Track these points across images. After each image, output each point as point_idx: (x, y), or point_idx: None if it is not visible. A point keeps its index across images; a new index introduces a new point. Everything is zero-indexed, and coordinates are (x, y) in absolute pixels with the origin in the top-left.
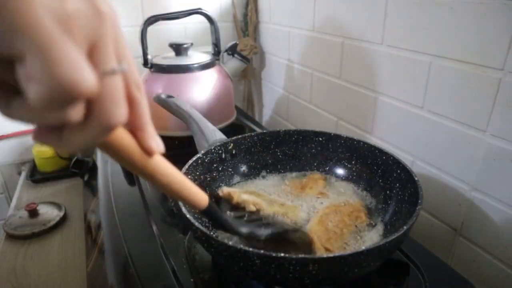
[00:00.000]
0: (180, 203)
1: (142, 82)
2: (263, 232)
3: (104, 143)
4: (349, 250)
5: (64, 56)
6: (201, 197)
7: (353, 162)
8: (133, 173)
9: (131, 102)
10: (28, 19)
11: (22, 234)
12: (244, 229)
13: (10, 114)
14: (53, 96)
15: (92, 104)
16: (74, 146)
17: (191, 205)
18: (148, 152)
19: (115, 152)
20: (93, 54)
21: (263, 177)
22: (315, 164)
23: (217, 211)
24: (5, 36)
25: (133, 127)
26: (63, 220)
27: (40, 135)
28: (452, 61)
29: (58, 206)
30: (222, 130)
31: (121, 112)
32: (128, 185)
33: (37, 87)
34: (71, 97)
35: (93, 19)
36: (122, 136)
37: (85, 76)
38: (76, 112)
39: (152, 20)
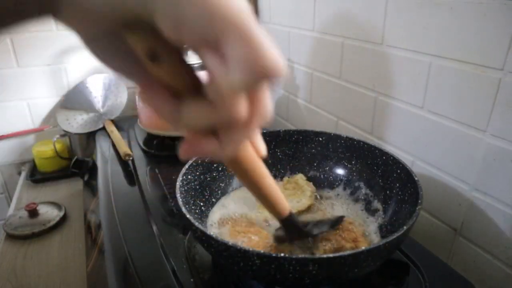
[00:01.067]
0: (180, 203)
1: None
2: (325, 227)
3: (237, 157)
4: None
5: (264, 41)
6: (285, 205)
7: (353, 162)
8: (244, 182)
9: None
10: (229, 6)
11: (22, 234)
12: (315, 231)
13: (182, 118)
14: (253, 80)
15: (252, 104)
16: (235, 149)
17: (275, 212)
18: (260, 154)
19: (243, 163)
20: None
21: None
22: (315, 164)
23: (295, 220)
24: (204, 22)
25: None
26: (63, 220)
27: (195, 145)
28: (452, 61)
29: (58, 206)
30: None
31: (270, 107)
32: (128, 185)
33: (238, 71)
34: (268, 79)
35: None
36: (248, 148)
37: (281, 61)
38: (245, 109)
39: None
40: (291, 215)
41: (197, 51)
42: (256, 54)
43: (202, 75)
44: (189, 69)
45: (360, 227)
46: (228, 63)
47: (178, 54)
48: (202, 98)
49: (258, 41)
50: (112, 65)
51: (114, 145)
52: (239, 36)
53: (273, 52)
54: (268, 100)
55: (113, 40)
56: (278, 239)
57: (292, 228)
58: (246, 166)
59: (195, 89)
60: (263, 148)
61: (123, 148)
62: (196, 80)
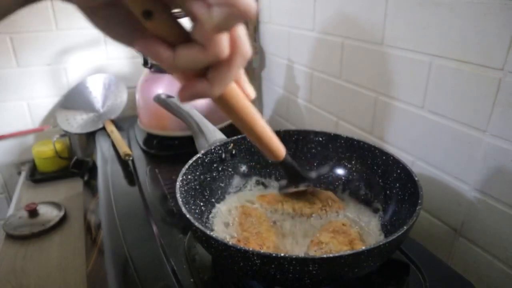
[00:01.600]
0: (180, 203)
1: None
2: (325, 170)
3: (224, 95)
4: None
5: None
6: (281, 148)
7: (353, 162)
8: (236, 121)
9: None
10: None
11: (22, 234)
12: (313, 175)
13: (177, 62)
14: (231, 17)
15: (233, 44)
16: (222, 86)
17: (272, 153)
18: (248, 96)
19: (231, 100)
20: None
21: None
22: (315, 164)
23: (292, 162)
24: None
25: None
26: (63, 220)
27: (189, 88)
28: (452, 61)
29: (58, 206)
30: (222, 130)
31: (248, 48)
32: (128, 185)
33: (219, 10)
34: (243, 18)
35: None
36: (233, 86)
37: (252, 3)
38: (227, 46)
39: None
40: (287, 157)
41: (183, 3)
42: None
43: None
44: (179, 23)
45: (355, 229)
46: (209, 6)
47: (168, 10)
48: (192, 44)
49: None
50: (111, 33)
51: (114, 145)
52: None
53: None
54: (246, 40)
55: (111, 7)
56: (282, 188)
57: (291, 170)
58: (235, 104)
59: (185, 38)
60: (250, 90)
61: (123, 148)
62: (186, 31)
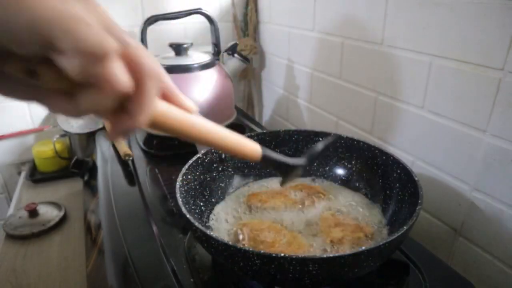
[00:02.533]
0: (180, 203)
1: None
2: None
3: (155, 119)
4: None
5: (88, 28)
6: (254, 149)
7: (353, 162)
8: (183, 138)
9: (144, 75)
10: (53, 7)
11: (22, 234)
12: (300, 161)
13: (81, 109)
14: (86, 61)
15: (136, 70)
16: (146, 113)
17: (247, 158)
18: (188, 110)
19: (167, 122)
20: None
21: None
22: (315, 164)
23: (272, 156)
24: (30, 35)
25: (166, 96)
26: (63, 220)
27: (115, 126)
28: (452, 61)
29: (58, 206)
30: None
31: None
32: (128, 185)
33: (71, 58)
34: (100, 56)
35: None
36: (163, 107)
37: (108, 39)
38: (124, 78)
39: (152, 20)
40: (266, 154)
41: (45, 55)
42: (79, 43)
43: None
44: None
45: (347, 215)
46: (64, 55)
47: (52, 62)
48: (89, 88)
49: (80, 30)
50: (3, 91)
51: (114, 145)
52: (63, 30)
53: (95, 34)
54: (150, 60)
55: None
56: (283, 182)
57: (275, 164)
58: (173, 124)
59: (82, 83)
60: (189, 104)
61: (123, 148)
62: None
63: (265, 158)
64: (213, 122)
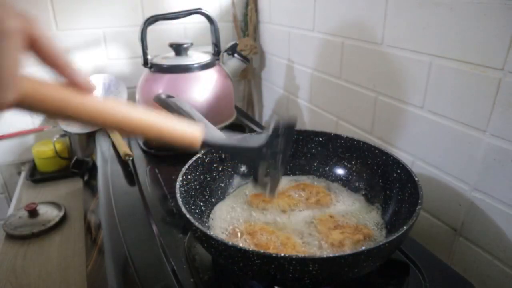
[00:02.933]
0: (180, 203)
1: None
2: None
3: (19, 102)
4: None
5: None
6: (191, 135)
7: (353, 162)
8: (91, 123)
9: (33, 42)
10: None
11: (22, 234)
12: (250, 144)
13: None
14: None
15: None
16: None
17: (183, 147)
18: (86, 90)
19: (37, 104)
20: None
21: None
22: (315, 164)
23: (216, 143)
24: None
25: (53, 66)
26: (63, 220)
27: None
28: (452, 61)
29: (58, 206)
30: (222, 130)
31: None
32: (128, 185)
33: None
34: None
35: None
36: (37, 88)
37: None
38: None
39: (152, 20)
40: (208, 139)
41: None
42: None
43: None
44: None
45: (345, 217)
46: None
47: None
48: None
49: None
50: None
51: (114, 145)
52: None
53: None
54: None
55: None
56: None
57: (228, 151)
58: (51, 103)
59: None
60: (87, 84)
61: (123, 148)
62: None
63: (207, 144)
64: (126, 104)
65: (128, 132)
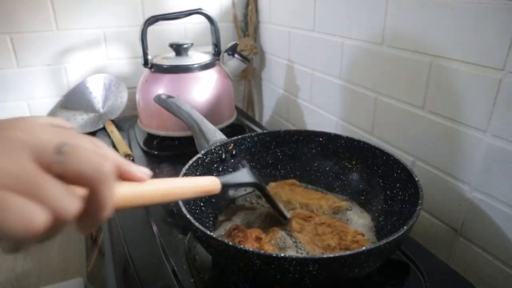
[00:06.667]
0: (180, 203)
1: (100, 143)
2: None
3: (117, 206)
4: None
5: (7, 210)
6: (213, 186)
7: (353, 162)
8: (151, 204)
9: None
10: None
11: None
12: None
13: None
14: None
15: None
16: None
17: (210, 194)
18: (141, 179)
19: (127, 203)
20: (37, 159)
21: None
22: (315, 164)
23: (233, 184)
24: None
25: (120, 174)
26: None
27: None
28: (452, 61)
29: None
30: (222, 130)
31: (67, 206)
32: None
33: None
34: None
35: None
36: (120, 192)
37: (34, 219)
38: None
39: (152, 20)
40: (224, 183)
41: None
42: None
43: None
44: None
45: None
46: None
47: None
48: None
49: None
50: None
51: (114, 145)
52: None
53: (16, 217)
54: (91, 168)
55: None
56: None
57: (238, 186)
58: (136, 201)
59: None
60: (141, 173)
61: (123, 148)
62: None
63: (226, 186)
64: (171, 179)
65: (177, 200)
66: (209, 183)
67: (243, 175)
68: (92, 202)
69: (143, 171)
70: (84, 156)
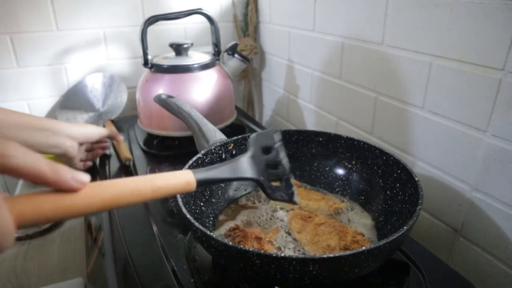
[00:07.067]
0: (180, 203)
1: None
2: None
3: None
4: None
5: None
6: (187, 184)
7: (353, 162)
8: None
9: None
10: None
11: (16, 236)
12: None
13: None
14: None
15: None
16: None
17: (184, 192)
18: (74, 189)
19: (37, 221)
20: None
21: None
22: (315, 164)
23: (211, 180)
24: None
25: (47, 184)
26: (59, 222)
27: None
28: (452, 61)
29: None
30: (222, 130)
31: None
32: None
33: None
34: None
35: None
36: (28, 208)
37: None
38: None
39: (152, 20)
40: (199, 178)
41: None
42: None
43: None
44: None
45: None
46: None
47: None
48: None
49: None
50: None
51: (114, 147)
52: None
53: None
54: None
55: None
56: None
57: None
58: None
59: None
60: (72, 183)
61: (124, 152)
62: None
63: (200, 184)
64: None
65: (127, 204)
66: (178, 180)
67: (234, 167)
68: None
69: (76, 176)
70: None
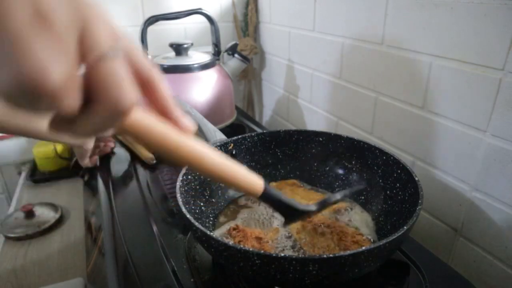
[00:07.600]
0: (180, 204)
1: (152, 63)
2: (313, 207)
3: (124, 129)
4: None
5: (31, 53)
6: (256, 185)
7: (353, 162)
8: (169, 159)
9: (145, 83)
10: (1, 11)
11: (17, 236)
12: (311, 207)
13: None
14: (17, 91)
15: (94, 91)
16: (85, 135)
17: (246, 193)
18: (183, 129)
19: (141, 135)
20: (82, 41)
21: None
22: (315, 164)
23: (274, 195)
24: None
25: (157, 109)
26: (58, 222)
27: (53, 125)
28: (452, 61)
29: (54, 207)
30: (222, 130)
31: (127, 95)
32: (128, 185)
33: (3, 79)
34: (35, 94)
35: (75, 8)
36: (143, 119)
37: (49, 75)
38: (69, 103)
39: (152, 20)
40: (268, 191)
41: None
42: (15, 68)
43: None
44: None
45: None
46: None
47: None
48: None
49: (20, 53)
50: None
51: (129, 148)
52: (4, 44)
53: (36, 66)
54: (115, 89)
55: None
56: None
57: (278, 204)
58: (154, 137)
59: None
60: (186, 124)
61: (144, 152)
62: None
63: (265, 196)
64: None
65: (211, 176)
66: (250, 178)
67: (299, 203)
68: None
69: (188, 123)
70: (116, 81)
